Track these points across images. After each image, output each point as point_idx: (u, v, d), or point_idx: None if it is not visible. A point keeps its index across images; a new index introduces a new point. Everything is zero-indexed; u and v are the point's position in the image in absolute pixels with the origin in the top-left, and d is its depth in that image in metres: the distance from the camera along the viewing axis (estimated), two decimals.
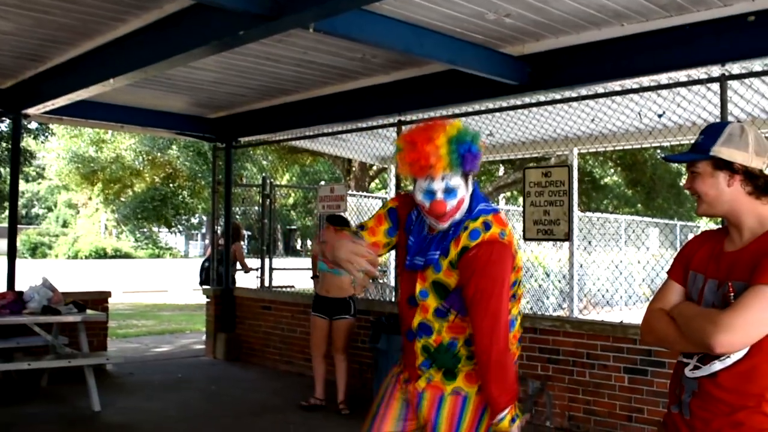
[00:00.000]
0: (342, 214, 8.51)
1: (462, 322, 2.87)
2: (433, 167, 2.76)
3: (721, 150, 2.33)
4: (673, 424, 2.39)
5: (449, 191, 2.81)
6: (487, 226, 2.82)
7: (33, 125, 20.52)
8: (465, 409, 2.91)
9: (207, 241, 11.51)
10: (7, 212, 8.92)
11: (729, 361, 2.21)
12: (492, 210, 2.91)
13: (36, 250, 49.35)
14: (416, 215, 3.00)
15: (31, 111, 8.30)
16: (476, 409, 2.89)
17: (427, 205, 2.83)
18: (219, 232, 10.99)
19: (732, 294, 2.21)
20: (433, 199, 2.81)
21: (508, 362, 2.80)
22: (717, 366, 2.24)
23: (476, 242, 2.78)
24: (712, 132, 2.38)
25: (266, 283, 10.23)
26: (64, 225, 55.42)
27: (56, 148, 24.92)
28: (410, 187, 2.98)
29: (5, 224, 8.70)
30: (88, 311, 7.67)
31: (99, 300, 9.03)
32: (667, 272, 2.52)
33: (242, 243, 11.81)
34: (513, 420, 2.76)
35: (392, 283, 9.21)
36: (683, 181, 2.52)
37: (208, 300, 10.35)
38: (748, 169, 2.30)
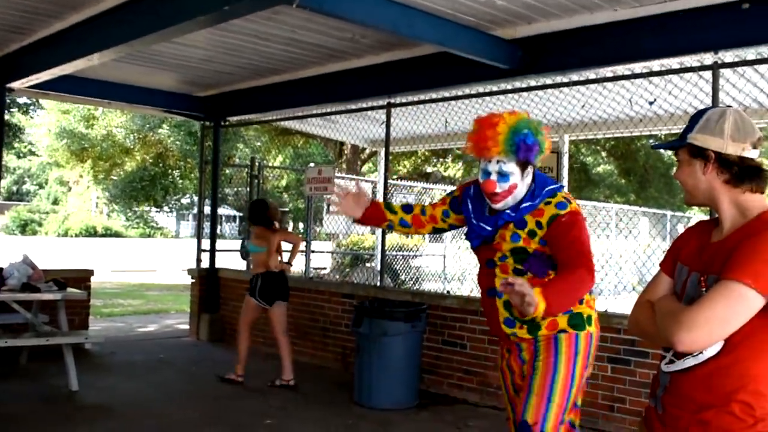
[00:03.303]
0: (266, 199, 8.51)
1: (539, 280, 3.19)
2: (488, 150, 3.16)
3: (696, 137, 2.23)
4: (650, 418, 2.33)
5: (502, 175, 3.19)
6: (568, 201, 3.26)
7: (22, 99, 20.34)
8: (559, 348, 3.29)
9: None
10: None
11: (702, 357, 2.12)
12: (562, 187, 3.38)
13: (26, 227, 49.17)
14: (473, 191, 3.47)
15: (15, 85, 8.16)
16: (569, 346, 3.29)
17: (481, 182, 3.25)
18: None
19: (704, 289, 2.12)
20: (487, 179, 3.21)
21: (582, 289, 3.12)
22: (690, 362, 2.15)
23: (566, 211, 3.21)
24: (694, 118, 2.28)
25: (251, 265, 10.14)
26: (55, 202, 55.20)
27: (46, 123, 24.70)
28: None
29: None
30: (69, 289, 7.59)
31: (81, 278, 8.95)
32: (660, 263, 2.44)
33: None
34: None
35: (378, 267, 9.14)
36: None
37: (193, 281, 10.28)
38: (723, 156, 2.18)
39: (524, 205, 3.23)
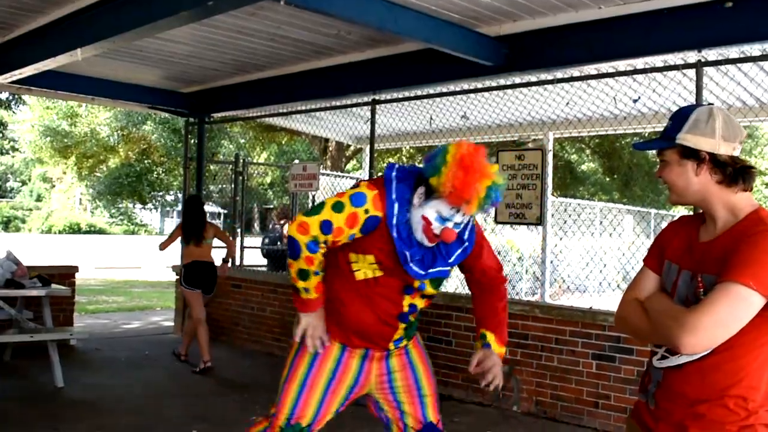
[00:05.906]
0: (199, 199, 8.61)
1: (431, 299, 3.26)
2: (470, 206, 2.87)
3: (686, 137, 2.19)
4: (640, 413, 2.34)
5: (458, 224, 2.97)
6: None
7: (4, 95, 20.15)
8: (421, 345, 3.46)
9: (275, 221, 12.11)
10: None
11: (696, 355, 2.13)
12: None
13: (9, 224, 48.86)
14: (396, 211, 2.98)
15: None
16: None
17: (439, 228, 2.93)
18: (276, 212, 11.34)
19: (702, 290, 2.11)
20: (446, 226, 2.93)
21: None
22: (684, 358, 2.16)
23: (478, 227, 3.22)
24: (679, 117, 2.25)
25: (237, 262, 10.12)
26: (38, 199, 54.86)
27: (29, 120, 24.53)
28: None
29: None
30: (53, 286, 7.56)
31: (66, 275, 8.90)
32: (644, 259, 2.43)
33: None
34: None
35: None
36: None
37: (178, 277, 10.22)
38: (716, 157, 2.17)
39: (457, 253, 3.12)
